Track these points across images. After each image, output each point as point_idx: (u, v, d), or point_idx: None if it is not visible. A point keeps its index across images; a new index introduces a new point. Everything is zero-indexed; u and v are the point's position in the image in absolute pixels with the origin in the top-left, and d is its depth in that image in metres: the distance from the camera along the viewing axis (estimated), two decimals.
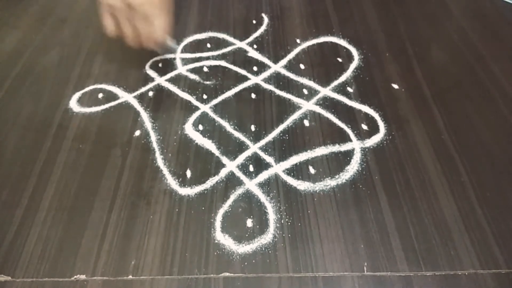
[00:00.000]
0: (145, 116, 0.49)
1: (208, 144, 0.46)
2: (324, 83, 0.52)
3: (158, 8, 0.46)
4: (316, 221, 0.39)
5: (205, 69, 0.55)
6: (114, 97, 0.52)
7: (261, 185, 0.42)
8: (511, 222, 0.38)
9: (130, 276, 0.35)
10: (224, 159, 0.44)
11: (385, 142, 0.45)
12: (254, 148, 0.45)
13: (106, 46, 0.59)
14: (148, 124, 0.48)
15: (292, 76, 0.54)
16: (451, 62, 0.54)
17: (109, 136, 0.47)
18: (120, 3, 0.45)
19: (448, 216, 0.39)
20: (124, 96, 0.52)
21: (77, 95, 0.52)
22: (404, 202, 0.40)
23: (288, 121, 0.48)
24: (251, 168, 0.43)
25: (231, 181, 0.42)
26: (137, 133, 0.47)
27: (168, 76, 0.54)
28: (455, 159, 0.43)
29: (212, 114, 0.49)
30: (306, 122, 0.48)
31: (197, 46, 0.59)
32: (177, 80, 0.54)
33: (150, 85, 0.53)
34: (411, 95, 0.50)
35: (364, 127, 0.47)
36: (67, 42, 0.60)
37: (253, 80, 0.53)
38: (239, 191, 0.41)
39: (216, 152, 0.45)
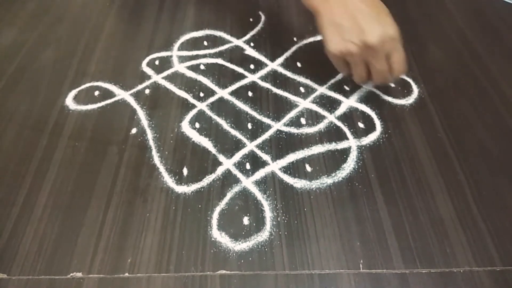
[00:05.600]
0: (141, 113, 0.49)
1: (205, 142, 0.46)
2: (321, 81, 0.52)
3: (397, 41, 0.42)
4: (312, 219, 0.39)
5: (202, 67, 0.55)
6: (111, 94, 0.52)
7: (258, 183, 0.42)
8: (507, 220, 0.38)
9: (127, 274, 0.35)
10: (221, 157, 0.44)
11: (381, 140, 0.45)
12: (250, 146, 0.45)
13: (102, 43, 0.59)
14: (144, 121, 0.48)
15: (289, 74, 0.54)
16: (448, 61, 0.55)
17: (105, 134, 0.47)
18: (359, 48, 0.41)
19: (444, 214, 0.39)
20: (121, 94, 0.51)
21: (73, 92, 0.52)
22: (400, 200, 0.40)
23: (285, 119, 0.48)
24: (247, 166, 0.43)
25: (228, 179, 0.42)
26: (134, 130, 0.47)
27: (165, 73, 0.54)
28: (451, 157, 0.43)
29: (209, 112, 0.49)
30: (303, 120, 0.48)
31: (194, 44, 0.58)
32: (174, 78, 0.53)
33: (147, 82, 0.53)
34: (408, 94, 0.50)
35: (361, 125, 0.47)
36: (64, 40, 0.60)
37: (250, 78, 0.53)
38: (236, 189, 0.41)
39: (213, 150, 0.45)
